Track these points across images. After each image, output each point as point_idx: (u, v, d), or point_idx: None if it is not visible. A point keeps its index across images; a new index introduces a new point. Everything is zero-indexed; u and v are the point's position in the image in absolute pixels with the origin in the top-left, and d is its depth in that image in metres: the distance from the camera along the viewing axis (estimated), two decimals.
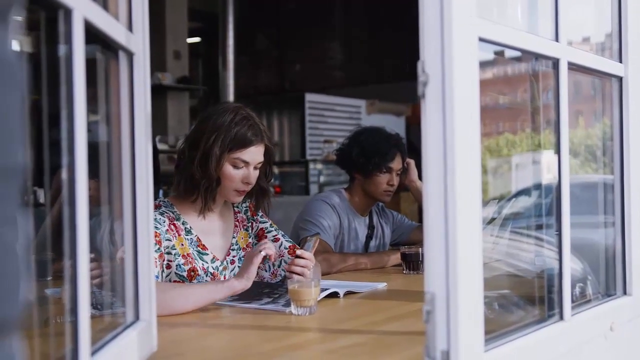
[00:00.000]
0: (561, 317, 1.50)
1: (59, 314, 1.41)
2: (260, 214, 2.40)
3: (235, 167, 2.16)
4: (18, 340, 0.56)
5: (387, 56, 9.01)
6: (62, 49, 1.00)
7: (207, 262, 2.19)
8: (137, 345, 1.30)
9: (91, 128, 1.10)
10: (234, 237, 2.31)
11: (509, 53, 1.53)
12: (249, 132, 2.16)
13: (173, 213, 2.20)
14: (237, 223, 2.35)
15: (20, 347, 0.57)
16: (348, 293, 2.15)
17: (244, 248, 2.33)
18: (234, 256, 2.30)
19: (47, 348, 1.13)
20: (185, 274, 2.14)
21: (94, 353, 1.07)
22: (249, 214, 2.38)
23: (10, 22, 0.56)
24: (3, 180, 0.54)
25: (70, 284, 0.99)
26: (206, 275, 2.18)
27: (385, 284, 2.35)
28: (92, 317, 1.05)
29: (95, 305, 1.31)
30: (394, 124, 6.79)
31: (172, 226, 2.15)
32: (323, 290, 2.02)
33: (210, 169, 2.12)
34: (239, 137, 2.14)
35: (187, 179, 2.17)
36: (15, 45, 0.58)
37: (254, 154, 2.18)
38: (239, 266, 2.27)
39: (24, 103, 0.58)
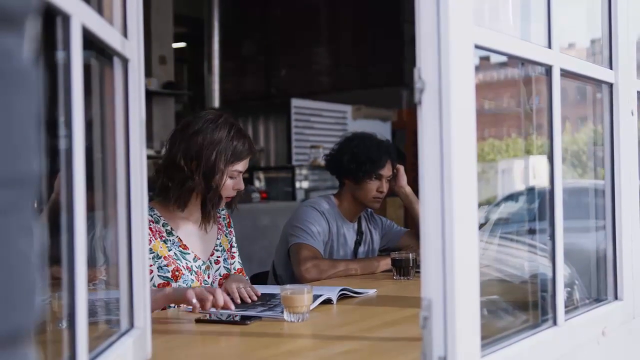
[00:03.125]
0: (555, 322, 1.51)
1: (51, 321, 1.40)
2: (230, 228, 2.49)
3: (231, 177, 2.27)
4: (33, 349, 0.56)
5: (373, 62, 9.04)
6: (59, 55, 0.99)
7: (189, 261, 2.25)
8: (132, 352, 1.29)
9: (85, 134, 1.09)
10: (218, 239, 2.39)
11: (494, 59, 1.53)
12: (246, 145, 2.28)
13: (152, 216, 2.24)
14: (220, 226, 2.43)
15: (35, 355, 0.57)
16: (342, 297, 2.15)
17: (227, 250, 2.41)
18: (218, 256, 2.37)
19: (43, 356, 1.12)
20: (169, 274, 2.19)
21: None
22: (226, 222, 2.47)
23: (26, 31, 0.56)
24: (19, 189, 0.54)
25: (68, 292, 0.98)
26: (190, 274, 2.24)
27: (375, 290, 2.35)
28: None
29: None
30: (380, 129, 6.78)
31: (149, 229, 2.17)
32: (316, 297, 2.02)
33: (216, 184, 2.22)
34: (238, 151, 2.25)
35: (187, 192, 2.22)
36: (31, 53, 0.58)
37: (247, 163, 2.31)
38: (224, 266, 2.37)
39: (39, 111, 0.58)
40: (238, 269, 2.42)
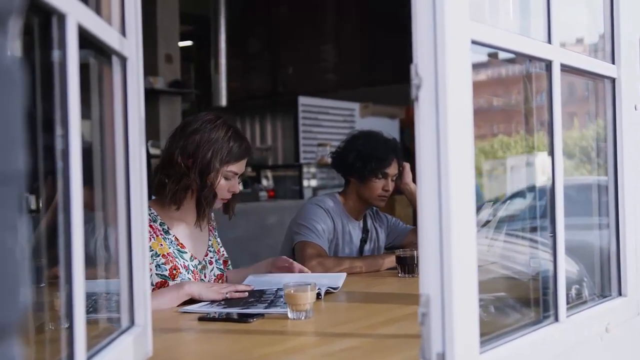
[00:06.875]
0: (556, 319, 1.51)
1: (51, 320, 1.41)
2: (216, 232, 2.52)
3: (226, 178, 2.29)
4: (18, 345, 0.57)
5: (380, 59, 9.02)
6: (55, 54, 1.00)
7: (186, 260, 2.29)
8: (132, 350, 1.29)
9: (84, 134, 1.09)
10: (209, 240, 2.44)
11: (502, 55, 1.53)
12: (243, 146, 2.31)
13: (150, 215, 2.25)
14: (211, 228, 2.47)
15: (20, 351, 0.57)
16: (327, 292, 2.19)
17: (217, 252, 2.45)
18: (211, 257, 2.41)
19: (42, 354, 1.13)
20: (167, 272, 2.22)
21: (89, 358, 1.07)
22: (213, 225, 2.50)
23: (10, 28, 0.57)
24: (4, 185, 0.54)
25: (66, 290, 0.99)
26: (187, 273, 2.27)
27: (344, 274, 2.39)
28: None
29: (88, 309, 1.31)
30: (388, 127, 6.78)
31: (148, 228, 2.19)
32: None
33: (210, 182, 2.24)
34: (234, 152, 2.28)
35: (182, 189, 2.25)
36: (14, 51, 0.58)
37: (243, 165, 2.33)
38: (217, 267, 2.41)
39: (23, 109, 0.58)
40: (218, 274, 2.43)
